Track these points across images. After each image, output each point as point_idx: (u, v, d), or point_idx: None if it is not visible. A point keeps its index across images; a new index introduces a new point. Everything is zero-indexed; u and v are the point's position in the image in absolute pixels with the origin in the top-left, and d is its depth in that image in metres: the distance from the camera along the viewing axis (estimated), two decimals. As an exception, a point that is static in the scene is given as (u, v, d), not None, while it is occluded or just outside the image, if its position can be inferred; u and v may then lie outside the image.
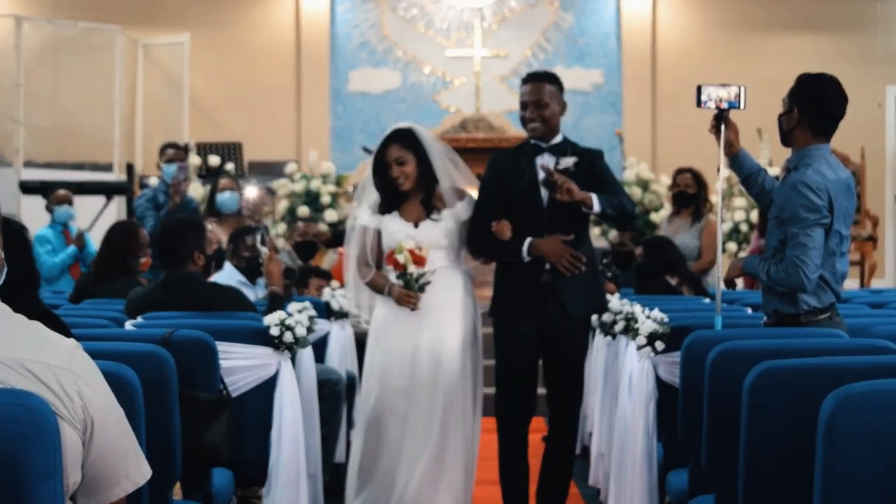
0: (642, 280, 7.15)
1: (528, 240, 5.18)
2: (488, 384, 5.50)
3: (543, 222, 5.23)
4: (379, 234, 5.42)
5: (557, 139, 5.35)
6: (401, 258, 5.21)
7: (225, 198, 8.55)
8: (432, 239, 5.30)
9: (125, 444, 2.44)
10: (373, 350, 5.39)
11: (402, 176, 5.31)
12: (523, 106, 5.34)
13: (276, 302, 5.69)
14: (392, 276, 5.31)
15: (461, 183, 5.51)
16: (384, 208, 5.41)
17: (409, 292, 5.24)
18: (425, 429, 5.18)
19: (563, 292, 5.20)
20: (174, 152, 9.14)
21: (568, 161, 5.24)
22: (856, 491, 2.47)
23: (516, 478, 5.35)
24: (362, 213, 5.47)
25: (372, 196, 5.47)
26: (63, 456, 2.22)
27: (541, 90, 5.33)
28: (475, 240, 5.38)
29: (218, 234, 8.36)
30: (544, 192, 5.24)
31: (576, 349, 5.33)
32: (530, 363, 5.32)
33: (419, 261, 5.23)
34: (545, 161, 5.25)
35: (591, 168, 5.29)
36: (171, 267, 5.39)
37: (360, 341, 6.61)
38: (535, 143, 5.35)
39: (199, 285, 5.41)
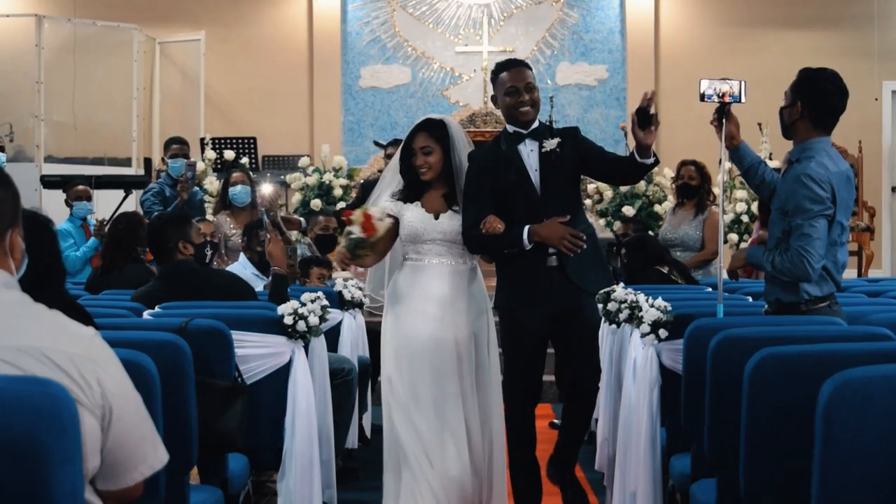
0: (630, 276, 7.20)
1: (527, 227, 5.11)
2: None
3: (538, 208, 5.17)
4: (397, 222, 5.25)
5: (535, 124, 5.30)
6: (354, 216, 5.15)
7: (237, 191, 8.66)
8: (452, 230, 5.17)
9: (143, 429, 2.46)
10: (393, 341, 5.18)
11: (426, 165, 5.20)
12: (511, 91, 5.26)
13: (278, 282, 5.77)
14: (425, 250, 5.21)
15: None
16: (406, 197, 5.27)
17: (344, 252, 5.18)
18: (458, 414, 5.03)
19: (572, 273, 5.17)
20: (178, 147, 9.19)
21: (552, 143, 5.20)
22: (853, 474, 2.49)
23: (528, 468, 5.35)
24: (383, 200, 5.32)
25: (394, 183, 5.36)
26: (82, 442, 2.22)
27: (527, 74, 5.31)
28: (471, 238, 5.16)
29: (225, 226, 8.48)
30: (535, 178, 5.21)
31: (591, 326, 5.30)
32: (539, 350, 5.29)
33: (367, 227, 5.13)
34: (529, 147, 5.24)
35: (576, 144, 5.25)
36: (162, 260, 5.63)
37: (372, 331, 6.68)
38: (514, 130, 5.30)
39: (192, 272, 5.56)
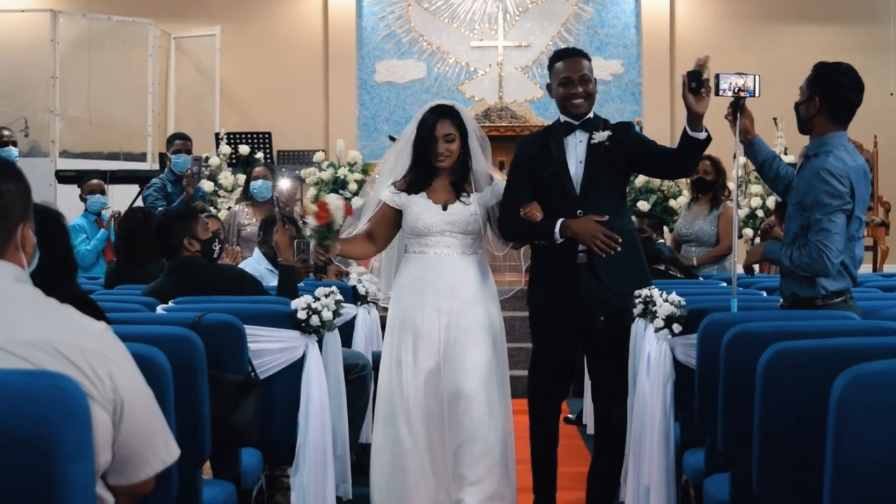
0: None
1: (560, 220, 5.04)
2: (515, 367, 5.29)
3: (575, 202, 5.09)
4: (399, 214, 5.17)
5: (588, 116, 5.19)
6: (309, 207, 5.15)
7: (258, 185, 8.72)
8: (462, 221, 5.09)
9: (154, 424, 2.49)
10: (395, 341, 5.12)
11: (448, 153, 5.10)
12: (565, 82, 5.16)
13: (285, 274, 5.76)
14: (430, 243, 5.12)
15: (488, 168, 5.29)
16: (413, 187, 5.16)
17: (315, 247, 5.17)
18: (457, 418, 4.96)
19: (603, 272, 5.07)
20: (181, 143, 9.21)
21: (602, 134, 5.10)
22: (866, 469, 2.47)
23: (548, 460, 5.31)
24: (385, 191, 5.21)
25: (397, 173, 5.24)
26: (94, 436, 2.22)
27: (583, 65, 5.19)
28: (506, 223, 5.15)
29: (241, 216, 8.50)
30: (576, 172, 5.11)
31: (620, 329, 5.12)
32: (565, 348, 5.22)
33: (323, 216, 5.10)
34: (578, 138, 5.14)
35: (627, 137, 5.15)
36: (168, 257, 5.65)
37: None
38: (566, 121, 5.20)
39: (198, 268, 5.56)
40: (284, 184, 8.81)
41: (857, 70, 4.79)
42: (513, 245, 5.38)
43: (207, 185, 10.54)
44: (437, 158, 5.12)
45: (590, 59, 5.26)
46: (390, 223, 5.24)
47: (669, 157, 5.19)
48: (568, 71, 5.16)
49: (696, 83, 4.84)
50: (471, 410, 4.96)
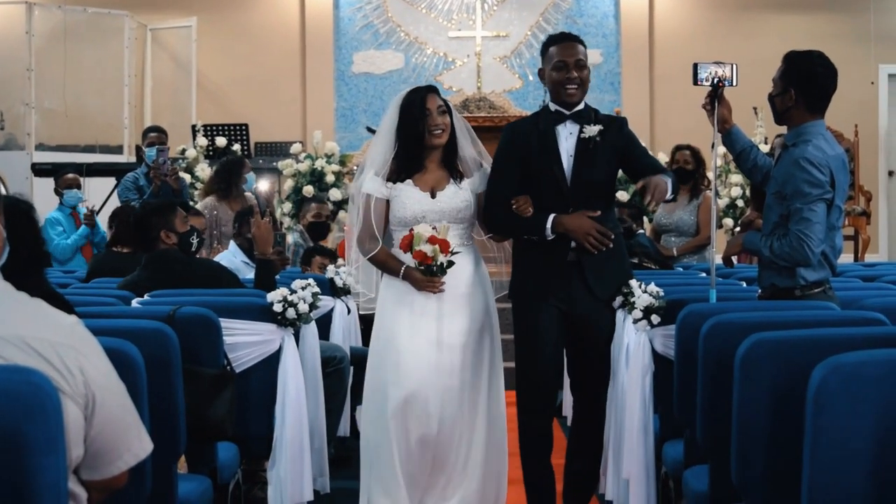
0: None
1: (552, 216, 4.81)
2: (507, 359, 5.06)
3: (567, 197, 4.86)
4: (387, 204, 4.95)
5: (580, 106, 4.96)
6: (428, 250, 4.74)
7: (252, 178, 8.98)
8: (453, 209, 4.91)
9: (127, 418, 2.47)
10: (384, 340, 4.91)
11: (444, 125, 4.91)
12: (560, 66, 4.91)
13: (262, 268, 5.75)
14: (406, 258, 4.84)
15: (476, 152, 5.07)
16: (398, 175, 4.94)
17: (432, 278, 4.82)
18: (453, 417, 4.82)
19: (589, 273, 4.85)
20: (155, 136, 9.18)
21: (593, 129, 4.86)
22: (843, 459, 2.48)
23: (543, 478, 5.03)
24: (368, 181, 4.98)
25: (379, 160, 4.99)
26: (66, 430, 2.23)
27: (578, 49, 4.96)
28: (493, 215, 4.95)
29: (221, 212, 8.48)
30: (567, 165, 4.88)
31: (602, 333, 4.95)
32: (555, 350, 4.99)
33: (444, 247, 4.77)
34: (569, 129, 4.90)
35: (619, 136, 4.95)
36: (145, 249, 5.64)
37: (365, 318, 6.63)
38: (556, 109, 4.96)
39: (174, 261, 5.54)
40: (263, 185, 8.88)
41: (836, 60, 4.78)
42: (493, 237, 5.19)
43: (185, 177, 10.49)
44: (433, 133, 4.91)
45: (585, 46, 5.04)
46: (384, 217, 4.99)
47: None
48: (563, 55, 4.92)
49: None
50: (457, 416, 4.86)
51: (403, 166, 4.95)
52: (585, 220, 4.81)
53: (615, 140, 4.94)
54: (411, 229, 4.83)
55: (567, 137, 4.94)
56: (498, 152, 5.01)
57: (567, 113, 4.95)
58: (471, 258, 5.00)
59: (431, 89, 4.99)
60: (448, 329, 4.88)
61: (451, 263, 4.81)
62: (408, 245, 4.80)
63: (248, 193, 8.79)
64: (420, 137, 4.91)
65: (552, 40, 5.03)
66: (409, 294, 4.90)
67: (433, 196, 4.94)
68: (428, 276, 4.81)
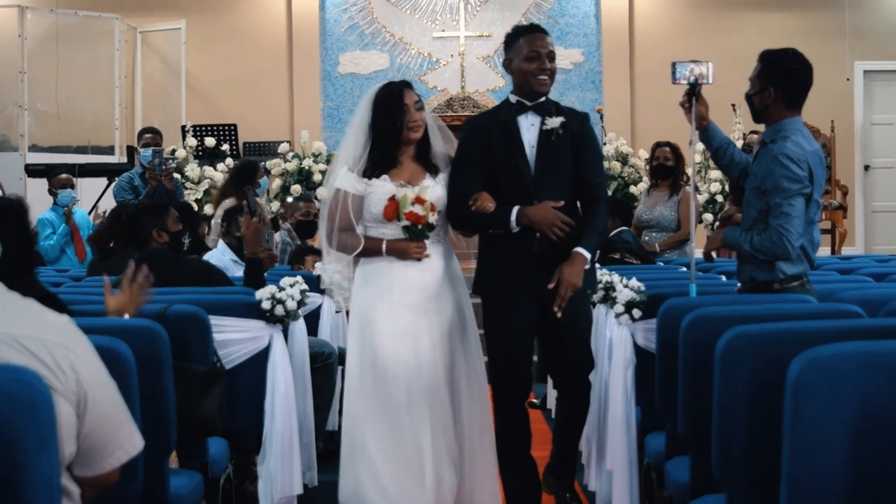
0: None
1: (516, 208, 4.72)
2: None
3: (530, 188, 4.78)
4: (361, 200, 4.79)
5: (541, 98, 4.89)
6: (419, 210, 4.70)
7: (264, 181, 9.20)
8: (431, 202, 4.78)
9: (118, 415, 2.50)
10: (361, 343, 4.74)
11: (421, 121, 4.79)
12: (532, 57, 4.83)
13: (252, 267, 5.75)
14: (391, 229, 4.75)
15: (447, 148, 4.95)
16: (373, 171, 4.79)
17: (418, 242, 4.76)
18: (440, 416, 4.68)
19: (556, 263, 4.70)
20: (150, 137, 9.20)
21: (555, 121, 4.81)
22: (821, 449, 2.48)
23: (523, 468, 4.95)
24: (341, 177, 4.82)
25: (352, 157, 4.83)
26: (58, 428, 2.25)
27: (548, 41, 4.90)
28: (456, 211, 4.82)
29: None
30: (530, 155, 4.80)
31: (579, 321, 4.86)
32: (526, 339, 4.88)
33: (431, 206, 4.74)
34: (530, 121, 4.82)
35: (581, 131, 4.87)
36: (138, 248, 5.64)
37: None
38: (518, 100, 4.88)
39: (164, 259, 5.47)
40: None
41: (812, 56, 4.85)
42: (461, 233, 5.08)
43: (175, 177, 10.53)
44: (410, 128, 4.79)
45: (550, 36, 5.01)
46: (359, 213, 4.84)
47: (581, 195, 4.95)
48: (535, 46, 4.84)
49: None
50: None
51: (379, 162, 4.81)
52: (550, 210, 4.75)
53: (575, 135, 4.87)
54: (391, 197, 4.75)
55: (528, 128, 4.87)
56: (459, 148, 4.92)
57: (528, 104, 4.88)
58: (444, 254, 4.91)
59: (406, 84, 4.88)
60: (427, 328, 4.75)
61: (433, 224, 4.78)
62: (394, 211, 4.74)
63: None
64: (398, 133, 4.80)
65: (520, 31, 4.95)
66: (386, 293, 4.77)
67: None
68: (416, 241, 4.76)
